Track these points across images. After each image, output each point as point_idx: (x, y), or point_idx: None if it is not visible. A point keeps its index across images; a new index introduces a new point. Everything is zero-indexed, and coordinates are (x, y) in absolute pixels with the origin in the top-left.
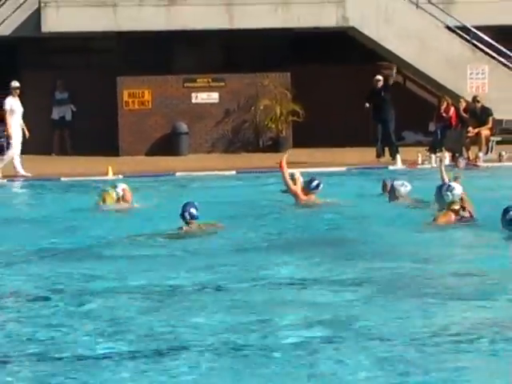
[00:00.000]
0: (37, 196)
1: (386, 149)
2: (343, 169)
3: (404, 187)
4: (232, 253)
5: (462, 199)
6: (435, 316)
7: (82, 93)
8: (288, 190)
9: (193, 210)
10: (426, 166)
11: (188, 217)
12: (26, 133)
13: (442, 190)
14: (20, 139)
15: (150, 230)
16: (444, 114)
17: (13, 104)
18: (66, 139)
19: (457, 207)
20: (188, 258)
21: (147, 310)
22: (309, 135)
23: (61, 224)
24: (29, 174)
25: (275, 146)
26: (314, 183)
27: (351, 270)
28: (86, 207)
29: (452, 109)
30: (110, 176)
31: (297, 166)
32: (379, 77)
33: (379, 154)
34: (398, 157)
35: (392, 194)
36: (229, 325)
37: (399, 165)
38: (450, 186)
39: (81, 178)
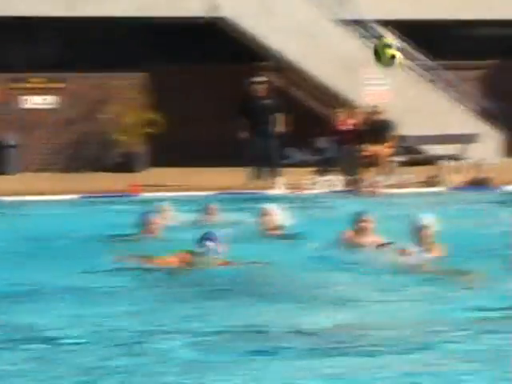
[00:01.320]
0: None
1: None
2: (212, 193)
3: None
4: None
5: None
6: None
7: None
8: None
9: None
10: (313, 191)
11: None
12: None
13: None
14: None
15: None
16: (341, 127)
17: None
18: None
19: None
20: None
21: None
22: (170, 151)
23: None
24: None
25: (128, 165)
26: None
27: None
28: None
29: (350, 122)
30: None
31: (153, 190)
32: (258, 78)
33: (256, 176)
34: (279, 180)
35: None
36: None
37: (279, 189)
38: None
39: None
